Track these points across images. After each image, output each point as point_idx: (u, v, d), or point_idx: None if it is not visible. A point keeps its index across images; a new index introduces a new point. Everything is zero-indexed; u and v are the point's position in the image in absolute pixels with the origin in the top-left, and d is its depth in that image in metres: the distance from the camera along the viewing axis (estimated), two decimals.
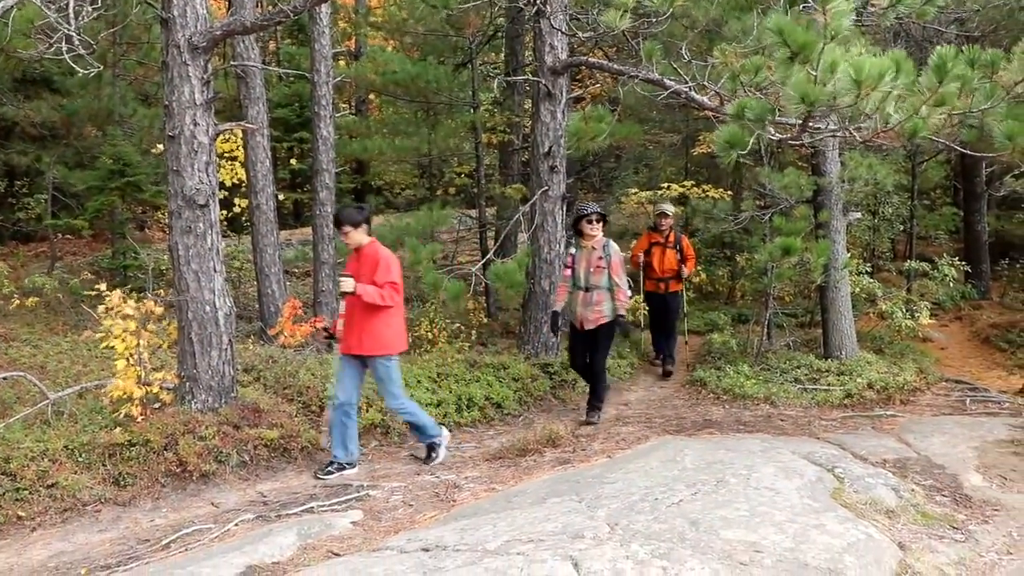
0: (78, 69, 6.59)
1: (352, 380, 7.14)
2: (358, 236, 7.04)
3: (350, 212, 7.11)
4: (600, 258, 8.76)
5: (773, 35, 5.65)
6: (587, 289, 8.77)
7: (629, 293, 9.08)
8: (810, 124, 6.48)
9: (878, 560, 4.50)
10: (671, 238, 11.67)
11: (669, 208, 11.87)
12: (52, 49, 6.56)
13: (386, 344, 7.04)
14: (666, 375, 11.50)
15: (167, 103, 7.02)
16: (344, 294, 6.89)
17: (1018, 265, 17.53)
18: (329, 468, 7.03)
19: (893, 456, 6.89)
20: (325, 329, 7.95)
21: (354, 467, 7.14)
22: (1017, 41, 6.12)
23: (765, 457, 6.52)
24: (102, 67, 8.28)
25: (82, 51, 6.49)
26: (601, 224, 8.90)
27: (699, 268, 16.98)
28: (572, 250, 9.04)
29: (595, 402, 9.02)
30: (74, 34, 6.54)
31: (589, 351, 9.00)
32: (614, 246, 8.92)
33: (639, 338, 12.50)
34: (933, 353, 12.66)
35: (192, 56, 6.92)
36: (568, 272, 8.95)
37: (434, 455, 7.42)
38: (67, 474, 6.14)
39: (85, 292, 9.87)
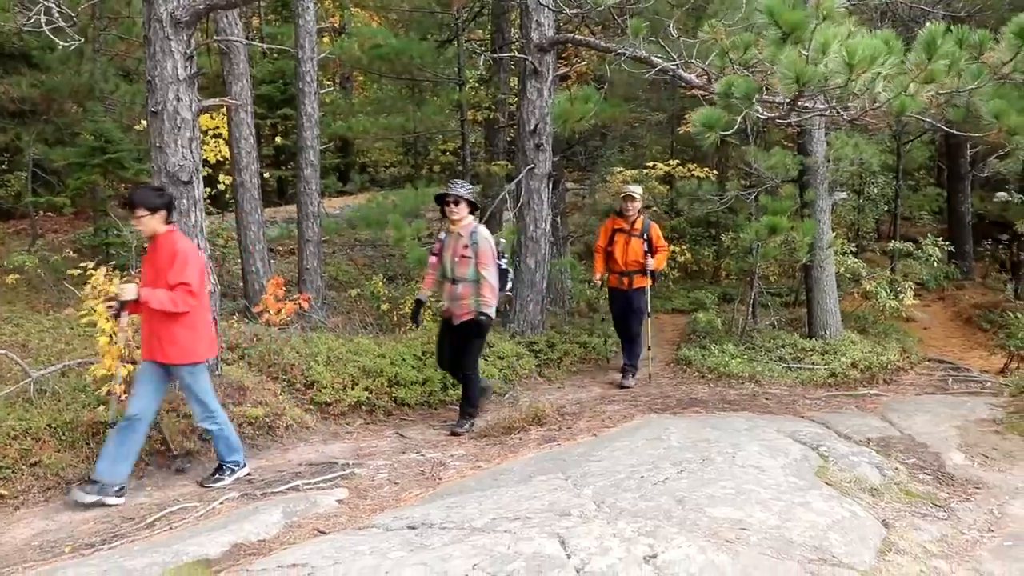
0: (57, 42, 6.50)
1: (150, 391, 6.06)
2: (153, 223, 6.02)
3: (147, 194, 6.06)
4: (466, 247, 7.69)
5: (763, 15, 5.62)
6: (453, 281, 7.77)
7: (510, 285, 8.33)
8: (799, 103, 6.48)
9: (862, 537, 4.52)
10: (637, 225, 9.92)
11: (636, 190, 10.15)
12: (31, 21, 6.47)
13: (189, 351, 6.01)
14: (620, 387, 9.82)
15: (149, 78, 6.94)
16: (124, 303, 5.89)
17: (1001, 246, 17.60)
18: (88, 488, 5.80)
19: (877, 435, 6.93)
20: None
21: (121, 496, 5.88)
22: (1004, 21, 6.12)
23: (750, 435, 6.55)
24: (82, 40, 8.17)
25: (62, 23, 6.41)
26: (467, 207, 7.81)
27: (685, 249, 16.99)
28: (442, 235, 8.04)
29: (466, 407, 7.96)
30: (53, 6, 6.46)
31: (457, 349, 7.99)
32: (484, 233, 7.77)
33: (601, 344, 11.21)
34: (916, 333, 12.73)
35: (175, 30, 6.84)
36: (434, 259, 8.04)
37: (219, 476, 6.22)
38: (50, 453, 6.10)
39: (68, 270, 9.81)
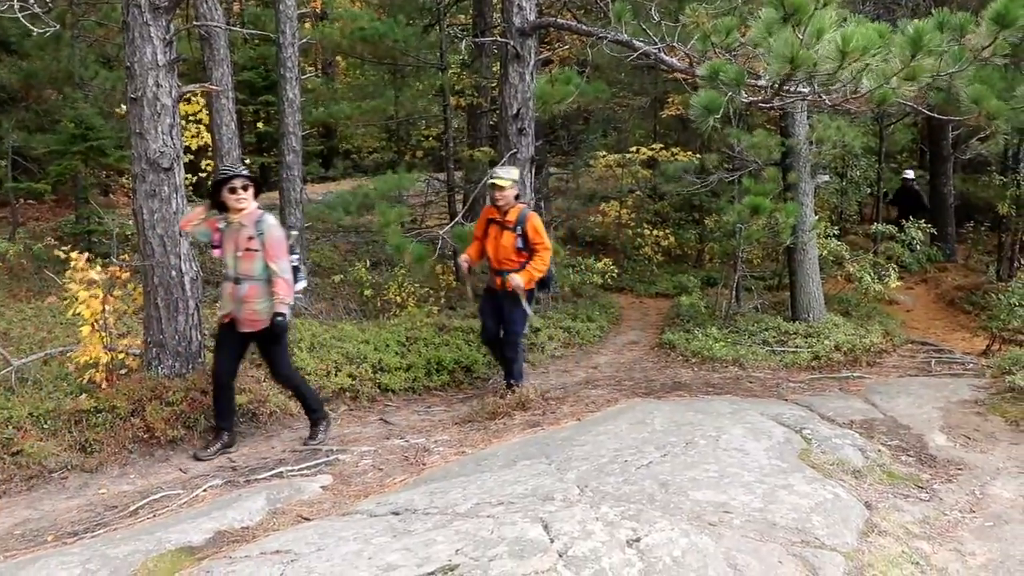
0: (33, 29, 6.43)
1: None
2: None
3: None
4: (251, 238, 6.45)
5: None
6: (237, 280, 6.50)
7: (303, 284, 7.02)
8: (784, 88, 6.49)
9: (845, 519, 4.54)
10: (511, 216, 8.08)
11: (505, 174, 8.17)
12: (6, 7, 6.40)
13: None
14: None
15: (128, 64, 6.88)
16: None
17: (983, 228, 17.69)
18: None
19: (860, 417, 6.96)
20: None
21: None
22: (985, 3, 6.14)
23: (734, 419, 6.55)
24: (59, 26, 8.09)
25: (37, 9, 6.34)
26: (252, 191, 6.59)
27: (668, 233, 16.96)
28: (220, 224, 6.62)
29: (310, 414, 7.00)
30: None
31: (264, 360, 6.97)
32: (271, 221, 6.55)
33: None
34: (899, 315, 12.79)
35: (154, 16, 6.78)
36: (217, 252, 6.68)
37: None
38: (32, 441, 6.07)
39: (54, 256, 9.75)
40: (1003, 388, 7.73)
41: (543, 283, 8.31)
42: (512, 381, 8.16)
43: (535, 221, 8.11)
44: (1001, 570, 4.16)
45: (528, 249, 8.02)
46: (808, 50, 5.70)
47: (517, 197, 8.22)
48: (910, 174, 16.81)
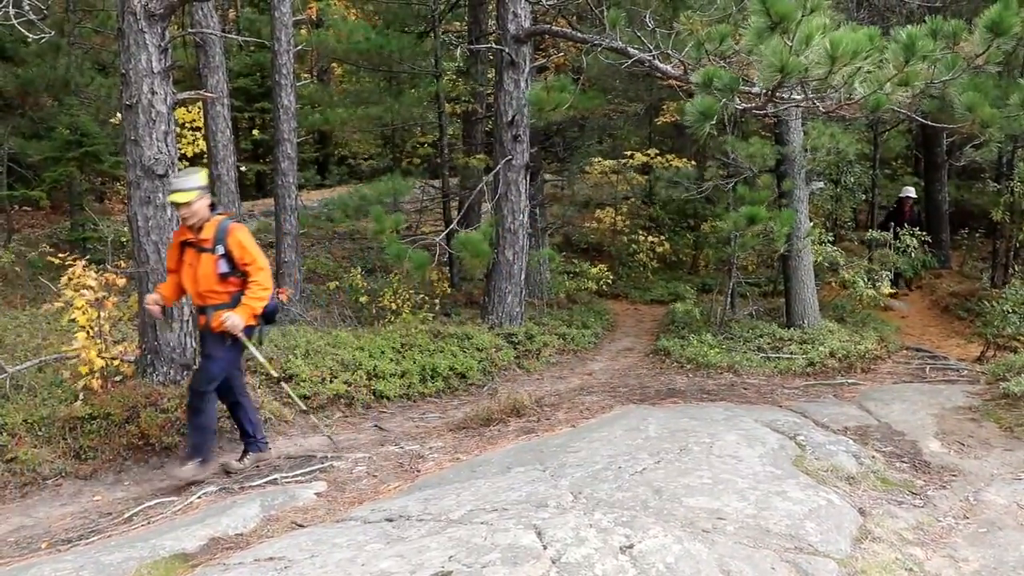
0: (28, 35, 6.43)
1: None
2: None
3: None
4: None
5: (755, 3, 5.65)
6: None
7: None
8: (777, 94, 6.51)
9: (839, 526, 4.55)
10: (207, 233, 6.02)
11: (186, 183, 6.03)
12: (0, 14, 6.40)
13: None
14: (226, 473, 6.27)
15: (124, 71, 6.89)
16: None
17: (977, 235, 17.70)
18: None
19: (854, 423, 6.97)
20: None
21: None
22: (978, 12, 6.16)
23: (728, 425, 6.56)
24: (54, 33, 8.09)
25: (32, 16, 6.34)
26: None
27: (663, 239, 16.97)
28: None
29: None
30: None
31: None
32: None
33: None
34: (894, 322, 12.79)
35: (149, 23, 6.79)
36: None
37: None
38: (26, 448, 6.06)
39: (48, 262, 9.74)
40: (997, 394, 7.74)
41: (267, 315, 6.38)
42: (204, 448, 6.07)
43: (240, 235, 6.09)
44: None
45: (237, 273, 6.07)
46: (798, 56, 5.71)
47: (213, 207, 6.18)
48: (911, 192, 15.84)
